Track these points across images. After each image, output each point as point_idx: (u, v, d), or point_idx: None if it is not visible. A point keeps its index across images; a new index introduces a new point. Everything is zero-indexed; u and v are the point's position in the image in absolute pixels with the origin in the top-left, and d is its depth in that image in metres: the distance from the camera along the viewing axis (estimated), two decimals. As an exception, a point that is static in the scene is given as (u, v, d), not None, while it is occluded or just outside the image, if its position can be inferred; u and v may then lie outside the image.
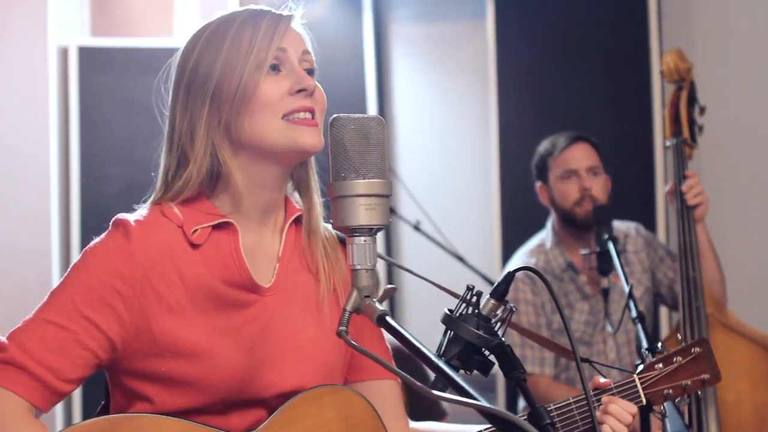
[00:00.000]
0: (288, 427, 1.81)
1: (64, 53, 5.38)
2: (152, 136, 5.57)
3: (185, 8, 5.56)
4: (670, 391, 2.09)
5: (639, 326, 2.71)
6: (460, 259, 4.53)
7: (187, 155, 1.79)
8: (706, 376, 2.11)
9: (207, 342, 1.75)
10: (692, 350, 2.12)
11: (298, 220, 1.91)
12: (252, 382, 1.80)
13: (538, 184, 3.82)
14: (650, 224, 4.73)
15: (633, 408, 1.99)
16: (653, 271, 3.77)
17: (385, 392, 1.97)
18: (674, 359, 2.11)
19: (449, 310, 1.64)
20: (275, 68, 1.80)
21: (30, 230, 5.15)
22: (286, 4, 1.89)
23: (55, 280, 5.21)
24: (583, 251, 3.38)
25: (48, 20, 5.19)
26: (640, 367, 2.11)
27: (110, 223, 1.78)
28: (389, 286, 1.61)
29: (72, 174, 5.36)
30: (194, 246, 1.78)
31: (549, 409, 1.95)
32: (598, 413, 1.98)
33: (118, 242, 1.74)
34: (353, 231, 1.58)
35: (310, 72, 1.86)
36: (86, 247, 1.76)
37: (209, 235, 1.79)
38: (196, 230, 1.78)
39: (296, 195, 1.95)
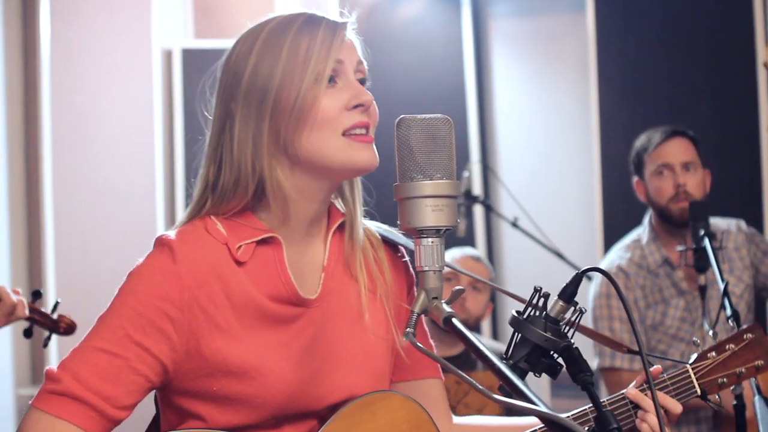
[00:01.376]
0: None
1: (168, 55, 5.47)
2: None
3: (286, 10, 5.60)
4: (725, 379, 2.04)
5: (734, 324, 2.66)
6: (559, 255, 4.48)
7: (236, 166, 1.75)
8: (760, 362, 2.06)
9: (257, 359, 1.74)
10: (744, 336, 2.07)
11: (341, 226, 1.88)
12: (303, 396, 1.78)
13: (635, 180, 3.78)
14: (756, 219, 4.62)
15: (679, 408, 1.94)
16: (757, 267, 3.69)
17: (430, 391, 1.95)
18: (727, 347, 2.06)
19: (517, 312, 1.61)
20: (332, 80, 1.75)
21: (136, 233, 5.25)
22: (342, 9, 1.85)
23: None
24: (679, 248, 3.31)
25: (152, 23, 5.29)
26: (694, 357, 2.06)
27: (153, 243, 1.75)
28: (457, 288, 1.60)
29: (177, 175, 5.45)
30: (239, 263, 1.75)
31: (603, 402, 1.91)
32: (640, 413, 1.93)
33: (164, 264, 1.71)
34: (420, 232, 1.57)
35: (363, 81, 1.81)
36: (132, 270, 1.74)
37: (254, 251, 1.76)
38: (241, 246, 1.75)
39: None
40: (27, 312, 2.72)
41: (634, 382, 1.97)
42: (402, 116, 1.59)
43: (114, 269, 5.02)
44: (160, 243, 1.74)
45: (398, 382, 1.94)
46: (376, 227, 1.94)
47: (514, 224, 4.53)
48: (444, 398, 1.99)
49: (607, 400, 1.95)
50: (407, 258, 1.97)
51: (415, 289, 1.96)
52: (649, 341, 3.62)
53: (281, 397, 1.75)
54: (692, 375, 2.02)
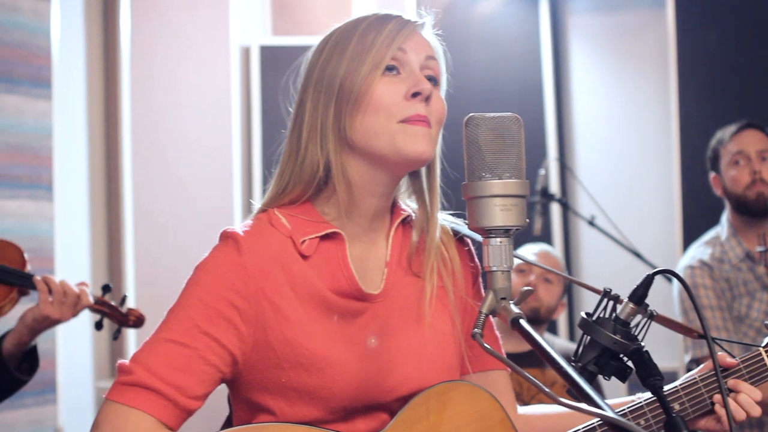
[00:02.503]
0: (414, 426, 1.80)
1: (246, 52, 5.51)
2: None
3: (363, 6, 5.61)
4: None
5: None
6: (637, 254, 4.43)
7: (303, 153, 1.78)
8: None
9: (324, 351, 1.74)
10: None
11: (404, 221, 1.88)
12: (371, 388, 1.78)
13: (711, 176, 3.80)
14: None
15: (757, 394, 1.88)
16: None
17: (496, 382, 1.94)
18: None
19: (586, 314, 1.59)
20: (393, 69, 1.76)
21: (214, 225, 5.27)
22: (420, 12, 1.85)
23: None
24: (759, 248, 3.28)
25: (230, 21, 5.34)
26: (767, 340, 2.01)
27: (219, 236, 1.78)
28: (525, 288, 1.58)
29: (254, 172, 5.49)
30: (304, 257, 1.77)
31: (675, 388, 1.87)
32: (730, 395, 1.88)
33: (230, 256, 1.73)
34: (489, 232, 1.56)
35: (433, 80, 1.80)
36: (199, 263, 1.76)
37: (317, 246, 1.78)
38: (305, 241, 1.77)
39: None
40: (92, 300, 2.77)
41: (700, 367, 1.93)
42: (471, 114, 1.58)
43: (191, 266, 5.09)
44: (225, 236, 1.77)
45: (465, 375, 1.93)
46: (442, 219, 1.93)
47: (592, 223, 4.48)
48: (510, 389, 1.99)
49: (680, 384, 1.90)
50: (472, 248, 1.97)
51: (480, 280, 1.96)
52: (736, 333, 3.60)
53: (348, 389, 1.75)
54: (765, 357, 1.97)
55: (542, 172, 4.38)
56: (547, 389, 1.39)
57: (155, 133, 5.07)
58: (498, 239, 1.57)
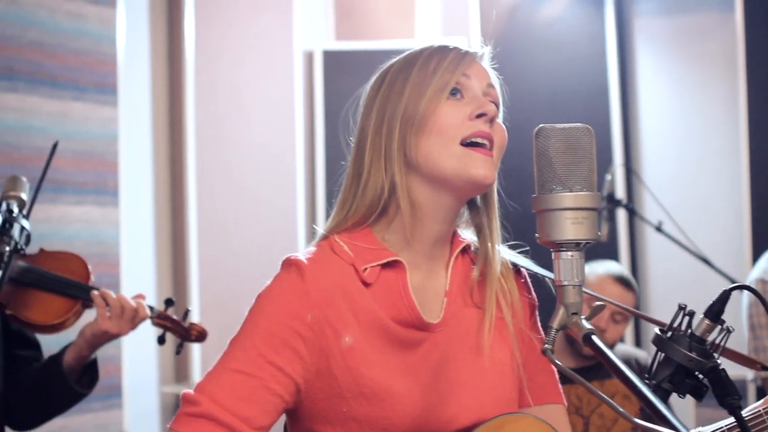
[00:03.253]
0: None
1: (309, 57, 5.52)
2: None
3: (427, 11, 5.59)
4: None
5: None
6: (706, 261, 4.36)
7: (367, 178, 1.77)
8: None
9: (386, 381, 1.73)
10: None
11: (463, 251, 1.86)
12: (431, 420, 1.76)
13: None
14: None
15: None
16: None
17: (553, 416, 1.90)
18: None
19: (660, 330, 1.56)
20: (457, 93, 1.77)
21: (277, 231, 5.31)
22: (479, 45, 1.86)
23: (302, 279, 5.37)
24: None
25: (294, 25, 5.34)
26: None
27: (281, 263, 1.76)
28: (597, 303, 1.55)
29: (317, 177, 5.49)
30: (366, 284, 1.75)
31: (758, 411, 1.81)
32: None
33: (293, 283, 1.71)
34: (559, 246, 1.54)
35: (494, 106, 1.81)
36: (261, 291, 1.74)
37: (378, 274, 1.76)
38: (367, 269, 1.75)
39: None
40: (149, 312, 2.77)
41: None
42: (541, 126, 1.56)
43: (255, 272, 5.10)
44: (288, 263, 1.75)
45: (522, 407, 1.90)
46: (501, 251, 1.90)
47: (659, 229, 4.42)
48: (567, 424, 1.95)
49: (764, 408, 1.85)
50: (528, 280, 1.95)
51: (536, 312, 1.94)
52: None
53: (409, 420, 1.73)
54: None
55: (608, 177, 4.32)
56: (621, 410, 1.36)
57: (219, 138, 5.09)
58: (569, 253, 1.55)
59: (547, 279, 1.87)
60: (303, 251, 1.79)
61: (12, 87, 4.23)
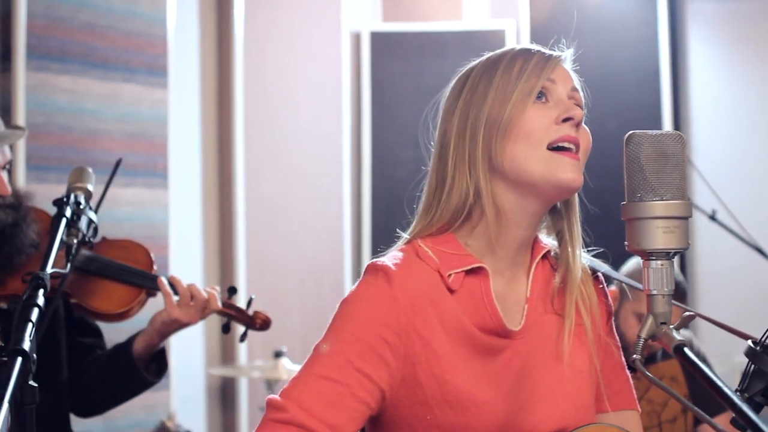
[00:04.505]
0: None
1: (357, 38, 5.49)
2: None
3: (475, -8, 5.55)
4: None
5: None
6: (760, 251, 4.31)
7: (451, 184, 1.75)
8: None
9: (470, 389, 1.71)
10: None
11: (544, 256, 1.85)
12: (513, 428, 1.75)
13: None
14: None
15: None
16: None
17: (630, 423, 1.89)
18: None
19: (753, 342, 1.53)
20: (542, 96, 1.75)
21: (323, 212, 5.31)
22: (558, 47, 1.84)
23: (347, 261, 5.38)
24: None
25: (342, 7, 5.32)
26: None
27: (365, 270, 1.74)
28: (687, 313, 1.52)
29: (363, 157, 5.48)
30: (451, 291, 1.73)
31: None
32: None
33: (381, 289, 1.69)
34: (649, 255, 1.52)
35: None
36: (345, 298, 1.72)
37: (462, 280, 1.75)
38: (451, 275, 1.74)
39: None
40: (220, 305, 2.75)
41: None
42: (632, 132, 1.54)
43: (301, 253, 5.10)
44: (375, 269, 1.72)
45: (599, 414, 1.88)
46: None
47: (712, 217, 4.37)
48: (641, 430, 1.94)
49: None
50: (606, 286, 1.93)
51: (613, 319, 1.93)
52: None
53: (492, 428, 1.72)
54: None
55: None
56: (710, 419, 1.33)
57: (266, 120, 5.08)
58: (659, 262, 1.53)
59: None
60: (387, 256, 1.77)
61: (64, 69, 4.23)
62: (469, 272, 1.75)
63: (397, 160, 5.55)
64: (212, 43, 5.00)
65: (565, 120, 1.73)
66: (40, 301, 1.90)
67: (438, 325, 1.71)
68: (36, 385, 1.73)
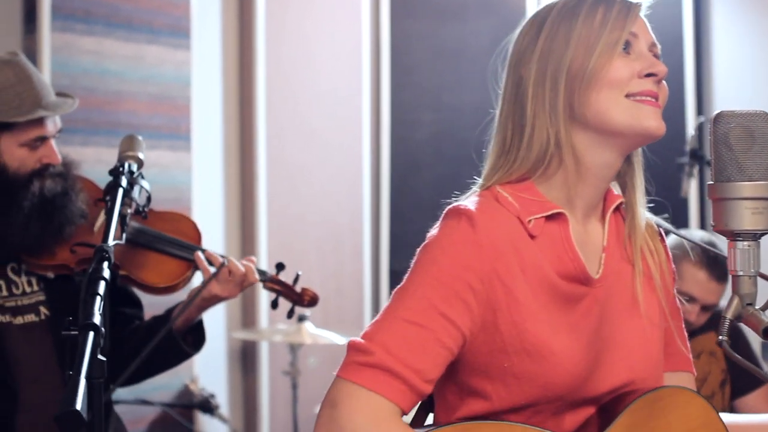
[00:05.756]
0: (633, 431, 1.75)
1: (376, 0, 5.44)
2: (461, 82, 5.59)
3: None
4: None
5: None
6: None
7: (531, 133, 1.74)
8: None
9: (550, 338, 1.70)
10: None
11: (617, 209, 1.86)
12: (589, 379, 1.75)
13: None
14: None
15: None
16: None
17: (683, 384, 1.89)
18: None
19: None
20: (626, 49, 1.73)
21: (343, 174, 5.29)
22: None
23: (366, 224, 5.36)
24: None
25: (361, -33, 5.27)
26: None
27: (445, 213, 1.72)
28: None
29: (382, 119, 5.45)
30: (532, 237, 1.73)
31: None
32: None
33: (464, 234, 1.68)
34: (736, 235, 1.51)
35: None
36: (427, 242, 1.71)
37: (543, 226, 1.74)
38: (531, 220, 1.73)
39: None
40: (257, 276, 2.74)
41: None
42: (720, 111, 1.54)
43: (321, 216, 5.08)
44: (457, 212, 1.71)
45: None
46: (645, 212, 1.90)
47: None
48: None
49: None
50: (668, 247, 1.93)
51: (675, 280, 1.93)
52: None
53: (569, 378, 1.71)
54: None
55: (693, 132, 4.25)
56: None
57: (287, 83, 5.04)
58: (746, 243, 1.52)
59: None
60: (466, 200, 1.76)
61: (89, 30, 4.19)
62: (548, 219, 1.75)
63: (416, 122, 5.53)
64: (234, 4, 4.95)
65: (648, 75, 1.72)
66: (106, 274, 1.89)
67: (519, 271, 1.70)
68: (105, 359, 1.72)
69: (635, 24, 1.74)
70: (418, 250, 1.71)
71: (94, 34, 4.20)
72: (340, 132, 5.29)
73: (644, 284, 1.83)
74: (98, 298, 1.80)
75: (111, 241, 2.01)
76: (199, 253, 2.69)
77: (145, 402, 4.25)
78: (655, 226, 1.89)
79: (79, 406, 1.54)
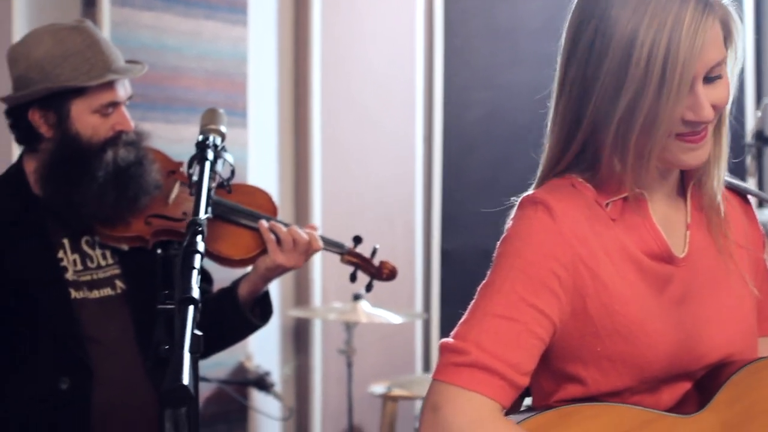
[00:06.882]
0: (733, 405, 1.73)
1: (431, -19, 5.40)
2: (515, 61, 5.53)
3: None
4: None
5: None
6: None
7: (602, 120, 1.65)
8: None
9: (640, 318, 1.68)
10: None
11: (698, 182, 1.80)
12: (683, 356, 1.72)
13: None
14: None
15: None
16: None
17: None
18: None
19: None
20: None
21: (396, 154, 5.26)
22: None
23: (418, 204, 5.33)
24: None
25: (416, -55, 5.22)
26: None
27: (520, 204, 1.71)
28: None
29: (435, 99, 5.41)
30: (612, 220, 1.71)
31: None
32: None
33: (543, 222, 1.67)
34: None
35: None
36: (505, 234, 1.69)
37: (621, 208, 1.72)
38: (609, 203, 1.71)
39: None
40: (321, 244, 2.71)
41: None
42: None
43: (373, 193, 5.05)
44: (533, 202, 1.69)
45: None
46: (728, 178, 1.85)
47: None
48: None
49: None
50: (754, 209, 1.89)
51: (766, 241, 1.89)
52: None
53: (663, 356, 1.69)
54: None
55: (758, 114, 4.20)
56: None
57: (342, 60, 5.01)
58: None
59: None
60: (540, 189, 1.73)
61: (148, 5, 4.17)
62: (626, 201, 1.72)
63: (469, 101, 5.48)
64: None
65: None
66: (200, 247, 1.87)
67: (603, 254, 1.67)
68: (201, 333, 1.69)
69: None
70: (498, 243, 1.70)
71: (153, 8, 4.18)
72: (393, 111, 5.26)
73: (733, 255, 1.79)
74: (195, 272, 1.78)
75: (203, 214, 1.99)
76: (264, 222, 2.64)
77: (202, 379, 4.24)
78: (740, 193, 1.86)
79: (186, 380, 1.53)
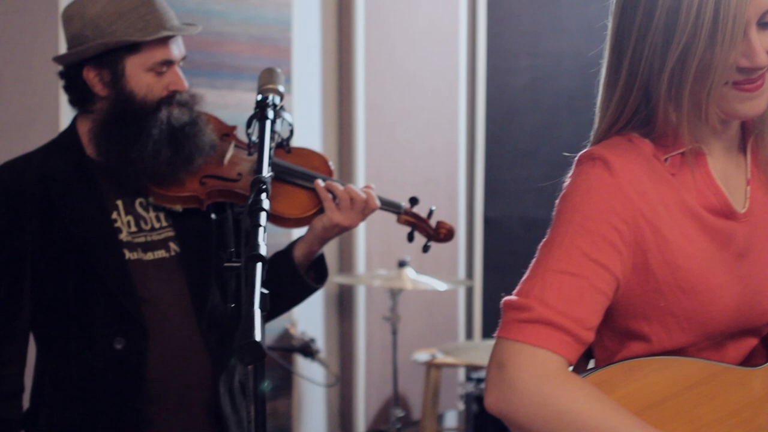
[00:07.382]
0: None
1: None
2: (559, 29, 5.49)
3: None
4: None
5: None
6: None
7: (656, 70, 1.63)
8: None
9: (703, 273, 1.66)
10: None
11: (757, 137, 1.77)
12: (746, 312, 1.69)
13: None
14: None
15: None
16: None
17: None
18: None
19: None
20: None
21: (438, 120, 5.23)
22: None
23: (461, 172, 5.31)
24: None
25: None
26: None
27: (578, 160, 1.69)
28: None
29: (478, 66, 5.38)
30: (671, 174, 1.68)
31: None
32: None
33: (602, 178, 1.65)
34: None
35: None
36: (564, 192, 1.68)
37: (680, 163, 1.70)
38: (667, 158, 1.69)
39: None
40: (378, 203, 2.68)
41: None
42: None
43: (417, 164, 5.04)
44: (590, 157, 1.68)
45: None
46: None
47: None
48: None
49: None
50: None
51: None
52: None
53: (727, 311, 1.67)
54: None
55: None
56: None
57: (385, 27, 4.99)
58: None
59: None
60: (598, 146, 1.71)
61: (193, -30, 4.16)
62: (685, 155, 1.70)
63: (513, 69, 5.45)
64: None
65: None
66: (266, 205, 1.85)
67: (663, 209, 1.65)
68: (267, 291, 1.68)
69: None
70: (557, 201, 1.68)
71: (199, -26, 4.17)
72: (437, 78, 5.24)
73: None
74: (261, 229, 1.77)
75: (266, 173, 1.97)
76: (319, 181, 2.62)
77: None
78: None
79: (258, 337, 1.51)
